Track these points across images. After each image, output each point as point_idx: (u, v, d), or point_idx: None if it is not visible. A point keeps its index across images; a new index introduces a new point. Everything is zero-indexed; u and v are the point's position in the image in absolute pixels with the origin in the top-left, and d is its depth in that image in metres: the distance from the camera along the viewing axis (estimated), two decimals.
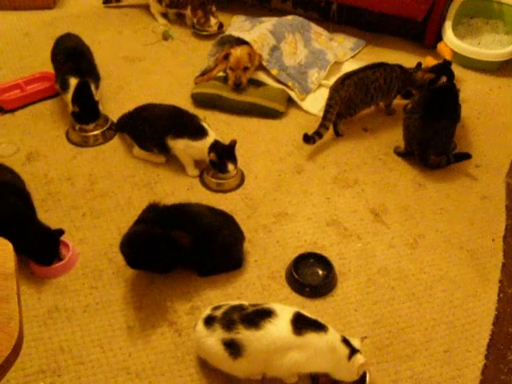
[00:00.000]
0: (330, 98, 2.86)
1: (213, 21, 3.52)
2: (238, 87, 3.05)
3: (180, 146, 2.61)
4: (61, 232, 2.28)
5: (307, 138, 2.76)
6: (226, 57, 3.09)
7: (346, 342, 1.84)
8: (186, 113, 2.73)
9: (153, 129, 2.66)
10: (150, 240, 2.11)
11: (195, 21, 3.55)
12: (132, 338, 2.07)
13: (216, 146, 2.57)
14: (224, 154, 2.56)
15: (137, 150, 2.74)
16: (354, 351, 1.82)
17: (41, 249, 2.24)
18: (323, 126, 2.80)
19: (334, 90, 2.87)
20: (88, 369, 1.98)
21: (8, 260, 1.16)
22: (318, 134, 2.78)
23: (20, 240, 2.09)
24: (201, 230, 2.20)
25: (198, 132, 2.61)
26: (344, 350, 1.82)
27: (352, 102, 2.89)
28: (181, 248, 2.16)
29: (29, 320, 2.10)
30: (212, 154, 2.54)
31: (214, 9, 3.55)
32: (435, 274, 2.33)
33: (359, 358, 1.81)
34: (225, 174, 2.61)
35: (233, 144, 2.57)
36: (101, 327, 2.10)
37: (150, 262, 2.13)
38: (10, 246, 1.21)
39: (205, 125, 2.65)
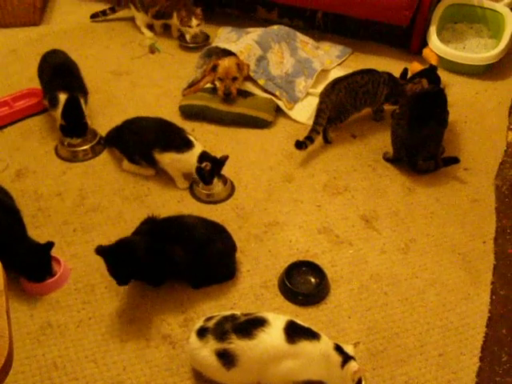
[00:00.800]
0: (320, 103, 2.88)
1: (194, 22, 3.52)
2: (227, 97, 3.05)
3: (167, 159, 2.62)
4: (50, 244, 2.26)
5: (299, 144, 2.77)
6: (214, 68, 3.09)
7: (338, 349, 1.84)
8: (172, 126, 2.73)
9: (140, 142, 2.67)
10: (127, 248, 2.12)
11: (178, 22, 3.57)
12: (126, 351, 2.06)
13: (207, 157, 2.57)
14: (215, 166, 2.56)
15: (126, 164, 2.74)
16: (347, 359, 1.81)
17: (32, 265, 2.23)
18: (314, 130, 2.81)
19: (325, 94, 2.89)
20: None
21: None
22: (310, 138, 2.79)
23: (11, 257, 2.10)
24: (193, 242, 2.20)
25: (184, 144, 2.61)
26: (337, 358, 1.82)
27: (342, 106, 2.91)
28: (172, 262, 2.17)
29: (21, 337, 2.09)
30: (206, 163, 2.53)
31: (198, 11, 3.54)
32: (427, 278, 2.33)
33: (353, 366, 1.80)
34: (208, 186, 2.62)
35: (224, 159, 2.58)
36: (94, 342, 2.09)
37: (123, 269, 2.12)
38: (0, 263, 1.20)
39: (191, 137, 2.65)
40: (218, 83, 3.08)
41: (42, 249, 2.26)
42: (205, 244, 2.20)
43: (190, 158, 2.58)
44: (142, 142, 2.66)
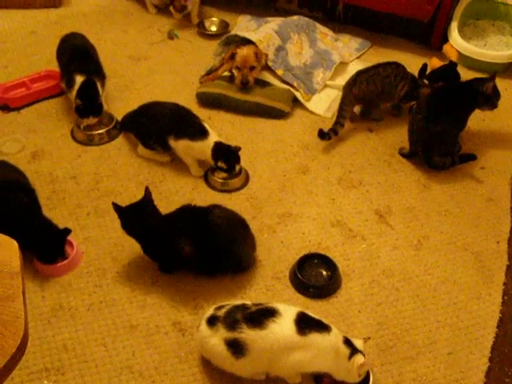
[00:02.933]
0: (343, 97, 2.90)
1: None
2: (245, 86, 3.04)
3: (181, 146, 2.62)
4: (67, 231, 2.27)
5: (323, 135, 2.78)
6: (232, 56, 3.08)
7: (347, 342, 1.83)
8: (188, 112, 2.71)
9: (155, 128, 2.66)
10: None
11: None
12: (135, 337, 2.07)
13: (221, 151, 2.56)
14: (230, 158, 2.56)
15: (141, 149, 2.74)
16: (354, 352, 1.81)
17: (46, 246, 2.24)
18: (338, 123, 2.83)
19: (347, 87, 2.91)
20: (91, 367, 1.98)
21: (14, 259, 1.17)
22: (334, 131, 2.80)
23: (26, 236, 2.11)
24: (212, 233, 2.18)
25: (199, 132, 2.60)
26: (345, 351, 1.81)
27: (367, 98, 2.93)
28: (181, 255, 2.18)
29: (33, 318, 2.10)
30: (220, 163, 2.54)
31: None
32: (439, 276, 2.32)
33: (359, 359, 1.79)
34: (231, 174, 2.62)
35: (237, 149, 2.57)
36: (104, 326, 2.10)
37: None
38: (16, 244, 1.21)
39: (206, 125, 2.64)
40: (235, 72, 3.07)
41: (58, 232, 2.27)
42: (224, 237, 2.19)
43: (204, 147, 2.58)
44: (158, 127, 2.66)
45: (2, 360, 1.00)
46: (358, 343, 1.85)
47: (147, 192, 2.21)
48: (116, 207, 2.18)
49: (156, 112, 2.73)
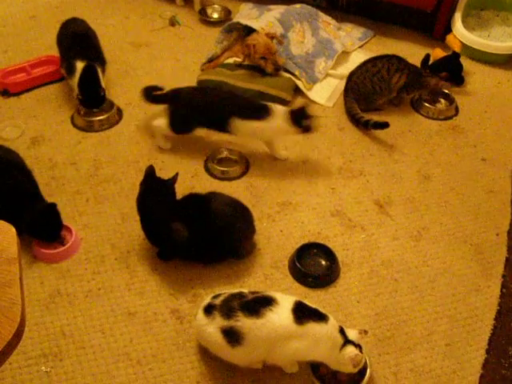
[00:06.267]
0: (345, 101, 2.99)
1: None
2: (278, 71, 3.03)
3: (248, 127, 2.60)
4: (54, 205, 2.26)
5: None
6: (249, 48, 3.02)
7: (342, 332, 1.83)
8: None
9: (215, 109, 2.63)
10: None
11: None
12: (133, 324, 2.07)
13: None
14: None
15: (161, 124, 2.66)
16: (346, 342, 1.80)
17: (45, 223, 2.24)
18: (361, 117, 2.88)
19: (345, 92, 3.02)
20: (89, 354, 1.98)
21: (11, 244, 1.16)
22: (365, 122, 2.85)
23: (24, 216, 2.12)
24: (210, 219, 2.18)
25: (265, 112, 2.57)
26: (339, 341, 1.81)
27: (364, 96, 2.94)
28: (175, 240, 2.18)
29: (31, 304, 2.10)
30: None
31: None
32: (438, 267, 2.32)
33: (350, 351, 1.79)
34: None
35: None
36: (102, 312, 2.10)
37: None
38: (13, 230, 1.20)
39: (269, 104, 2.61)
40: (262, 63, 3.03)
41: (48, 208, 2.26)
42: (225, 225, 2.20)
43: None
44: (218, 109, 2.62)
45: None
46: (351, 333, 1.84)
47: (175, 177, 2.23)
48: (149, 171, 2.22)
49: (217, 93, 2.71)
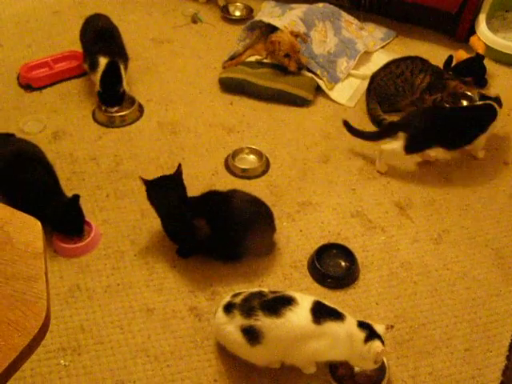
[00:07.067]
0: (367, 102, 2.98)
1: None
2: (300, 70, 3.04)
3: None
4: (77, 196, 2.28)
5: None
6: (274, 44, 3.03)
7: (362, 325, 1.81)
8: None
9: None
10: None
11: None
12: (152, 320, 2.08)
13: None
14: None
15: (395, 148, 2.62)
16: (372, 336, 1.78)
17: (70, 216, 2.26)
18: (383, 119, 2.88)
19: (367, 92, 3.00)
20: (107, 349, 1.99)
21: (37, 239, 1.16)
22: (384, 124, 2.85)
23: (46, 211, 2.15)
24: (231, 217, 2.18)
25: None
26: (360, 335, 1.78)
27: (386, 98, 2.93)
28: (196, 238, 2.18)
29: (51, 298, 2.08)
30: None
31: None
32: (459, 271, 2.30)
33: (377, 345, 1.76)
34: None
35: None
36: (121, 308, 2.11)
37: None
38: (39, 224, 1.20)
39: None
40: (285, 60, 3.02)
41: (72, 201, 2.28)
42: (246, 222, 2.19)
43: None
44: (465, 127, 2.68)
45: (25, 340, 1.00)
46: (379, 328, 1.81)
47: (179, 169, 2.22)
48: (143, 181, 2.21)
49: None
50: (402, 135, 2.58)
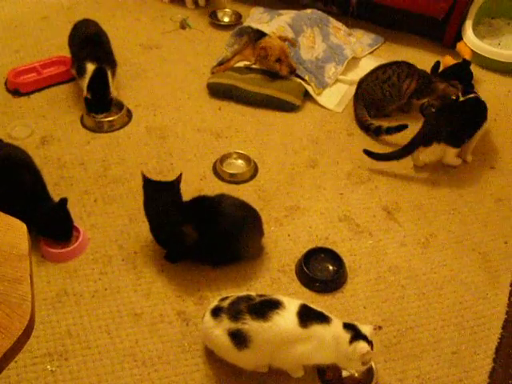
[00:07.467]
0: (355, 108, 2.99)
1: None
2: (292, 74, 3.06)
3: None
4: (64, 200, 2.26)
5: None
6: (264, 50, 3.03)
7: (347, 326, 1.80)
8: None
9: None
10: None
11: None
12: (139, 325, 2.07)
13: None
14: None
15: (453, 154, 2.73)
16: (357, 337, 1.77)
17: (56, 222, 2.25)
18: (370, 124, 2.90)
19: (354, 98, 3.01)
20: (95, 354, 1.98)
21: (22, 241, 1.16)
22: (375, 129, 2.87)
23: (34, 216, 2.14)
24: (219, 221, 2.18)
25: None
26: (345, 336, 1.78)
27: (374, 103, 2.95)
28: (184, 243, 2.18)
29: (38, 303, 2.10)
30: None
31: None
32: (446, 275, 2.31)
33: (362, 346, 1.75)
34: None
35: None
36: (109, 313, 2.10)
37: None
38: (25, 227, 1.20)
39: None
40: (277, 65, 3.03)
41: (59, 204, 2.27)
42: (234, 227, 2.19)
43: None
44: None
45: (8, 342, 1.00)
46: (366, 329, 1.80)
47: (179, 177, 2.20)
48: (143, 177, 2.19)
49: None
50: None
